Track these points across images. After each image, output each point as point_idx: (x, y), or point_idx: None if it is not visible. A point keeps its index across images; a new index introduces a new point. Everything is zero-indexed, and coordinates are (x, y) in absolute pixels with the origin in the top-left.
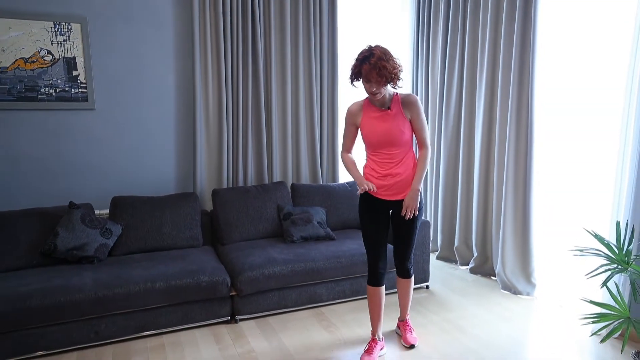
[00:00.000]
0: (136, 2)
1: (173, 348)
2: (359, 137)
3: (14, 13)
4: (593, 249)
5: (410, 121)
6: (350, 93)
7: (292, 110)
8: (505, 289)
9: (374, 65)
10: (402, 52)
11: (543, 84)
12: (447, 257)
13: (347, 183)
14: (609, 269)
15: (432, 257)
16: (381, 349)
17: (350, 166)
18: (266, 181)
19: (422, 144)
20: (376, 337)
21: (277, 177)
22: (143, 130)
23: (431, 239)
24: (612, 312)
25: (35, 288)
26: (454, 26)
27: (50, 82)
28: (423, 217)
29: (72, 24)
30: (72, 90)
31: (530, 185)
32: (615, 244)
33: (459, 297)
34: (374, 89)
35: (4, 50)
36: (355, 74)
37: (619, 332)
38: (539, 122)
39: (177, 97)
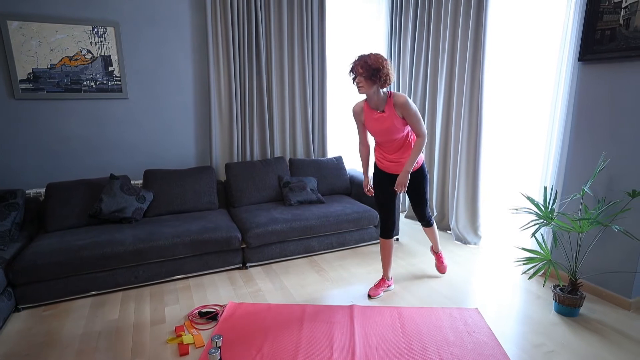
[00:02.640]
0: (160, 8)
1: (197, 288)
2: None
3: (59, 19)
4: (526, 208)
5: (403, 117)
6: (336, 82)
7: (289, 98)
8: (457, 240)
9: (360, 60)
10: (378, 46)
11: (491, 80)
12: (413, 216)
13: (334, 158)
14: (537, 223)
15: (402, 216)
16: (388, 286)
17: (362, 161)
18: (269, 156)
19: (416, 134)
20: (385, 278)
21: (277, 153)
22: (167, 115)
23: (400, 201)
24: (538, 256)
25: (87, 242)
26: (421, 23)
27: (91, 76)
28: None
29: (107, 27)
30: (109, 82)
31: (479, 158)
32: (542, 204)
33: (421, 247)
34: (357, 80)
35: (52, 50)
36: (352, 71)
37: (542, 271)
38: (487, 109)
39: (195, 87)
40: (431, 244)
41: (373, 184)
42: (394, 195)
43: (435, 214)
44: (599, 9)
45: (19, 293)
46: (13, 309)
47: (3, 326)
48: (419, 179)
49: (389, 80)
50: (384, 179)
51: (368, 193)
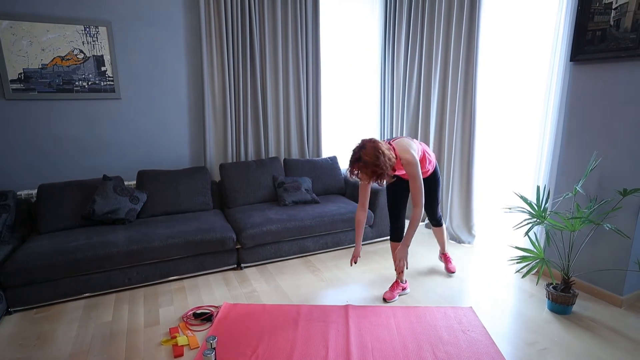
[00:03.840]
0: (153, 8)
1: (191, 290)
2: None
3: (50, 18)
4: (519, 207)
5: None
6: (330, 82)
7: (283, 97)
8: (452, 239)
9: (363, 167)
10: (372, 47)
11: (484, 80)
12: (408, 216)
13: (329, 158)
14: (530, 222)
15: None
16: (403, 289)
17: (358, 229)
18: (263, 156)
19: (414, 204)
20: (399, 280)
21: (272, 153)
22: (161, 115)
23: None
24: (531, 255)
25: (80, 244)
26: (415, 24)
27: (83, 76)
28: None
29: (99, 27)
30: (102, 83)
31: (472, 157)
32: (535, 203)
33: (416, 246)
34: (366, 182)
35: (43, 50)
36: (351, 170)
37: (535, 270)
38: (480, 109)
39: (189, 87)
40: (439, 248)
41: (387, 188)
42: (405, 198)
43: None
44: (589, 10)
45: (10, 295)
46: (4, 312)
47: None
48: (431, 182)
49: (392, 163)
50: (397, 182)
51: (353, 263)
